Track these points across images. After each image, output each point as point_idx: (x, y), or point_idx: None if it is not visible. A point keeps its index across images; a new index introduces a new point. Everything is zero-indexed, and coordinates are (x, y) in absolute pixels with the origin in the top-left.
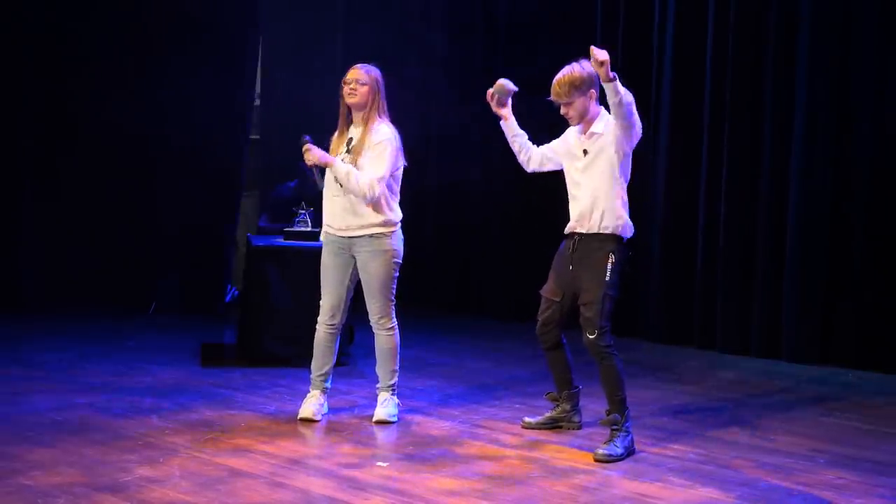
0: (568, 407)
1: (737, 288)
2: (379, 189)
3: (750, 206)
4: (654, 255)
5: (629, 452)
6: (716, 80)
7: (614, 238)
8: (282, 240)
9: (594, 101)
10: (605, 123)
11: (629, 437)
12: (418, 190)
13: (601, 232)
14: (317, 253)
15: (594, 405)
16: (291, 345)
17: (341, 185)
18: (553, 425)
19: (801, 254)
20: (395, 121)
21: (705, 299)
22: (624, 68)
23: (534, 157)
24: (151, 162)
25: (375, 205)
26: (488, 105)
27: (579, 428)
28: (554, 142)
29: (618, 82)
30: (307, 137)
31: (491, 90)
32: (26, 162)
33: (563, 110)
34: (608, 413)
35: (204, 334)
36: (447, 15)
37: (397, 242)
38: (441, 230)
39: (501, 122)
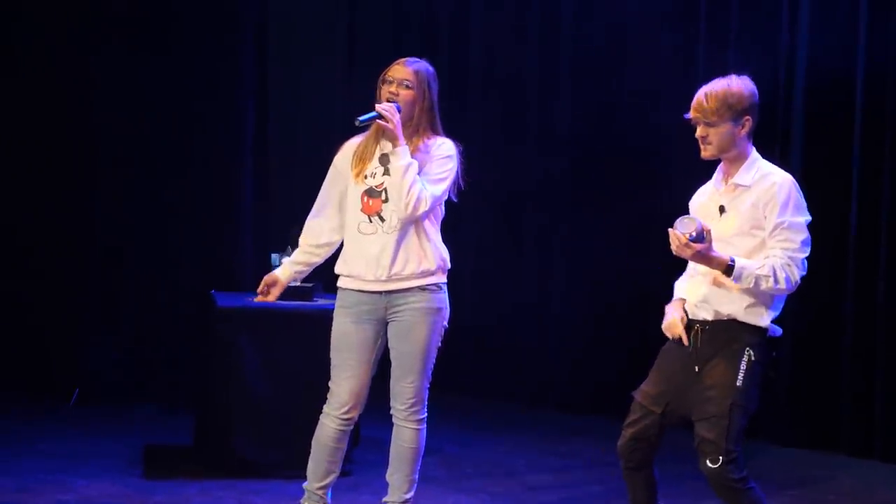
0: None
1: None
2: (427, 208)
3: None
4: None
5: None
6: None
7: (754, 329)
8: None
9: (745, 136)
10: (756, 174)
11: None
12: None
13: (736, 319)
14: (309, 317)
15: None
16: (270, 447)
17: (389, 187)
18: None
19: None
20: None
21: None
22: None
23: None
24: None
25: (428, 243)
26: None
27: None
28: None
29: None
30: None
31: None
32: None
33: (699, 131)
34: None
35: (148, 433)
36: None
37: (447, 298)
38: (485, 294)
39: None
